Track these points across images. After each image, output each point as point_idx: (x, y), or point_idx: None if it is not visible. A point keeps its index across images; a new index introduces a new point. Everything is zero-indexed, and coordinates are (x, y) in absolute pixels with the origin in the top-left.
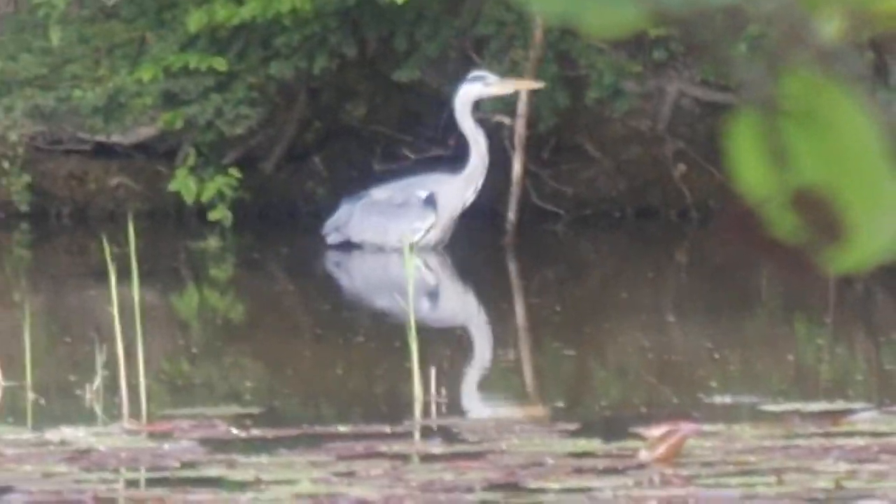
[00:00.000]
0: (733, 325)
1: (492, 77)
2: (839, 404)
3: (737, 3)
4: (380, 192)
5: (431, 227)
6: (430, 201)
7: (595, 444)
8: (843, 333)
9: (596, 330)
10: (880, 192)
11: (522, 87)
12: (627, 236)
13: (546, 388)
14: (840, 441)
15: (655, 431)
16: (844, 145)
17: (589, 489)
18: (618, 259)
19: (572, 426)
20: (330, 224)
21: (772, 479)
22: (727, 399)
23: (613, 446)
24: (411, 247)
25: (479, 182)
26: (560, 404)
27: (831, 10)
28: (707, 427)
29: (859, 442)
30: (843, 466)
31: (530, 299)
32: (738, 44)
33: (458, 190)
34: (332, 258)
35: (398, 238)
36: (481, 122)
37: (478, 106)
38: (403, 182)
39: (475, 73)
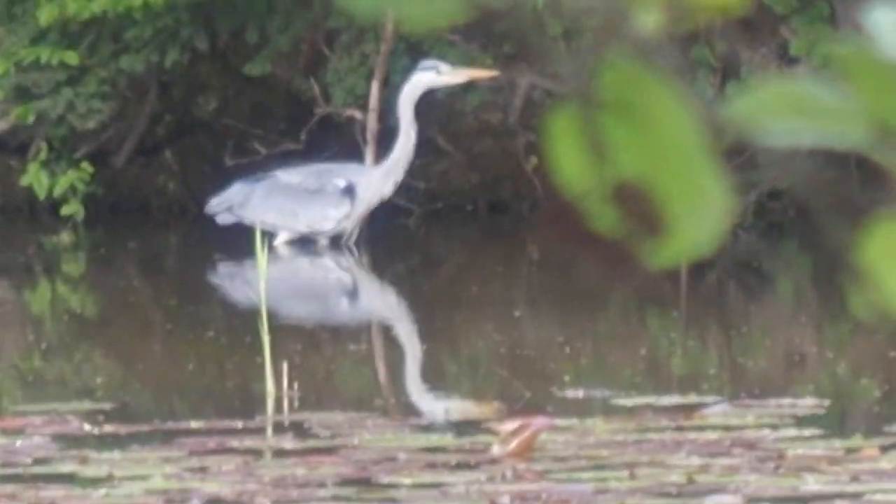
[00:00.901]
0: (586, 319)
1: (444, 66)
2: (691, 398)
3: None
4: (288, 176)
5: (345, 217)
6: (349, 191)
7: (448, 440)
8: (695, 327)
9: (448, 324)
10: (698, 186)
11: (475, 75)
12: (479, 230)
13: (398, 382)
14: (692, 435)
15: (508, 426)
16: (663, 138)
17: (441, 484)
18: (470, 252)
19: (424, 421)
20: (219, 203)
21: (624, 473)
22: (580, 393)
23: (466, 441)
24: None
25: (400, 176)
26: (412, 399)
27: (649, 3)
28: (560, 421)
29: (711, 436)
30: (696, 460)
31: (382, 293)
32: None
33: (377, 181)
34: (183, 253)
35: (307, 224)
36: (332, 116)
37: (328, 100)
38: (315, 168)
39: (427, 62)
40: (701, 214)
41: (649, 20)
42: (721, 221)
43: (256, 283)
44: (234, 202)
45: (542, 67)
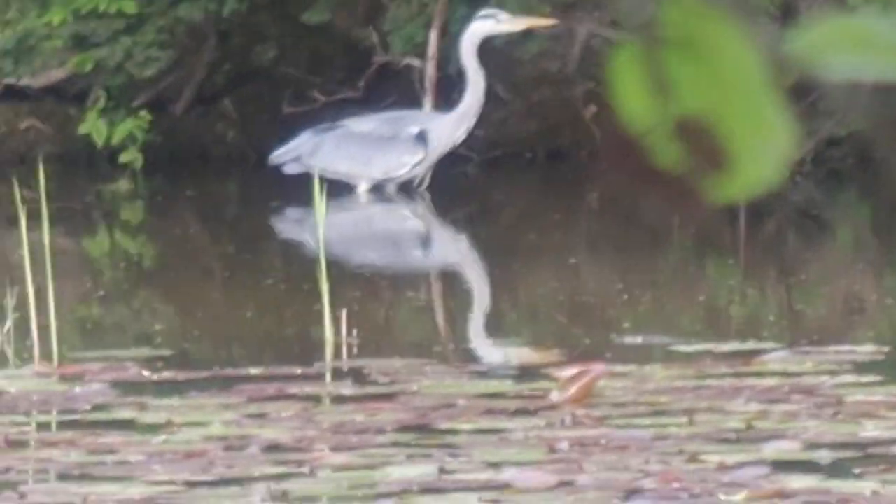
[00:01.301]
0: (644, 266)
1: (503, 14)
2: (750, 345)
3: None
4: (360, 124)
5: (419, 162)
6: (422, 137)
7: (506, 386)
8: (754, 274)
9: (507, 272)
10: (761, 122)
11: (534, 24)
12: (538, 178)
13: (458, 329)
14: (751, 381)
15: (567, 372)
16: (726, 74)
17: (500, 430)
18: (529, 200)
19: (484, 367)
20: (285, 153)
21: (683, 419)
22: (638, 340)
23: (525, 387)
24: (321, 183)
25: (472, 122)
26: (471, 346)
27: None
28: (618, 368)
29: (770, 382)
30: (754, 407)
31: (442, 241)
32: None
33: (449, 128)
34: (242, 201)
35: (382, 171)
36: (390, 65)
37: (386, 48)
38: (386, 116)
39: (486, 10)
40: (764, 150)
41: None
42: (784, 157)
43: (316, 231)
44: (302, 152)
45: (600, 15)
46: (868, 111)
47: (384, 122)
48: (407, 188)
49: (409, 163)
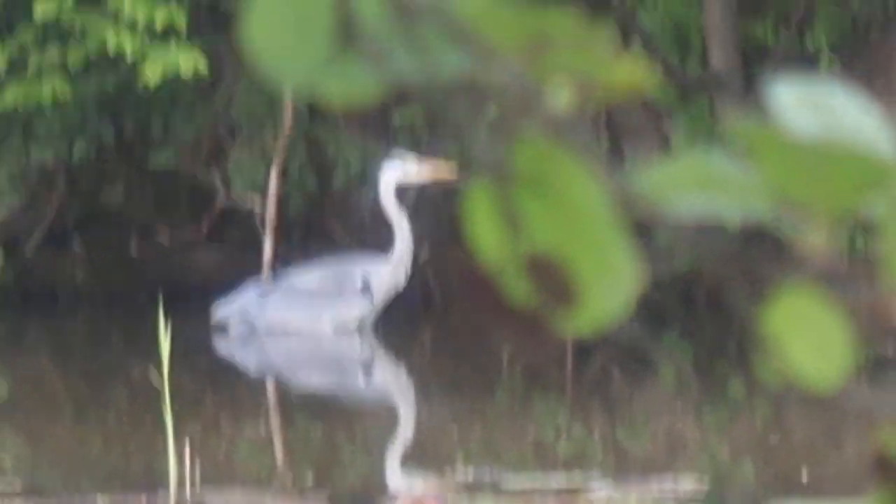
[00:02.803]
0: (475, 403)
1: (410, 160)
2: (577, 479)
3: (469, 73)
4: (303, 280)
5: (368, 314)
6: (367, 287)
7: None
8: (581, 410)
9: (342, 408)
10: (608, 259)
11: (439, 176)
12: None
13: (297, 463)
14: None
15: None
16: (574, 212)
17: None
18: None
19: (321, 500)
20: (229, 313)
21: None
22: (470, 475)
23: None
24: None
25: (408, 265)
26: (309, 478)
27: (561, 82)
28: (450, 501)
29: None
30: None
31: (281, 380)
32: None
33: (390, 274)
34: (89, 339)
35: (333, 325)
36: (234, 205)
37: (229, 190)
38: (327, 268)
39: (394, 157)
40: (610, 285)
41: (560, 98)
42: (629, 293)
43: (160, 361)
44: (247, 311)
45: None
46: (703, 250)
47: (328, 278)
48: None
49: (359, 316)
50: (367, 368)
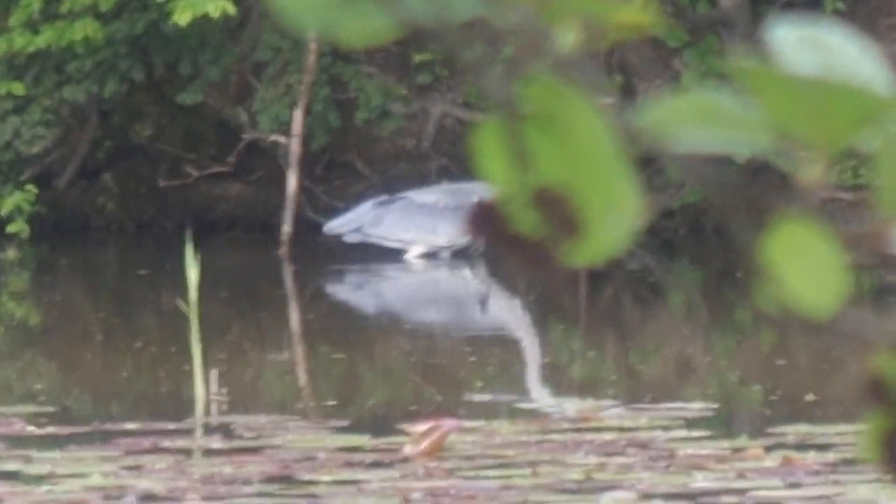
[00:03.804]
0: (491, 329)
1: None
2: (589, 402)
3: (480, 14)
4: (423, 196)
5: None
6: None
7: (363, 440)
8: (593, 336)
9: (364, 334)
10: (613, 192)
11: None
12: None
13: (318, 388)
14: (590, 436)
15: (419, 428)
16: (580, 147)
17: (358, 481)
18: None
19: (342, 423)
20: (343, 224)
21: (527, 471)
22: (486, 397)
23: (380, 441)
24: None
25: None
26: (331, 402)
27: (569, 22)
28: (467, 423)
29: (607, 437)
30: (593, 459)
31: (304, 306)
32: (488, 58)
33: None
34: (120, 268)
35: (448, 239)
36: (258, 141)
37: (255, 127)
38: (447, 187)
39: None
40: (615, 217)
41: (568, 39)
42: (633, 224)
43: (187, 293)
44: (363, 222)
45: (453, 97)
46: (709, 182)
47: (446, 194)
48: (463, 254)
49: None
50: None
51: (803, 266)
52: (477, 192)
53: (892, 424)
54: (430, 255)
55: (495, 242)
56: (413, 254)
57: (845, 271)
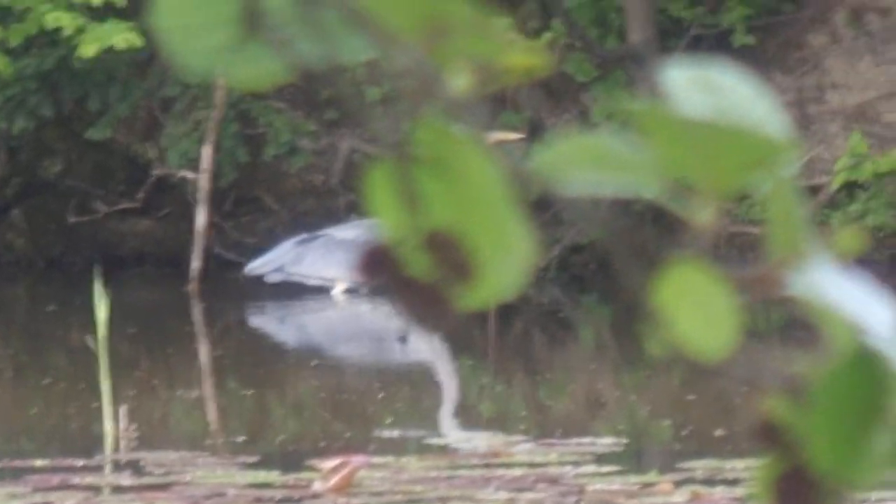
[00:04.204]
0: (400, 365)
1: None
2: (499, 437)
3: (371, 57)
4: (343, 232)
5: None
6: None
7: (273, 476)
8: (503, 371)
9: (274, 370)
10: (504, 235)
11: (503, 138)
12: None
13: (228, 423)
14: (500, 471)
15: (329, 464)
16: (472, 190)
17: None
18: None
19: (252, 459)
20: (265, 264)
21: None
22: (395, 433)
23: (290, 477)
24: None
25: None
26: (241, 439)
27: (460, 65)
28: (377, 459)
29: (517, 472)
30: (503, 495)
31: (213, 342)
32: (373, 100)
33: None
34: (30, 304)
35: None
36: (167, 177)
37: (164, 162)
38: (367, 223)
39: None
40: (506, 261)
41: (460, 82)
42: (524, 268)
43: (94, 332)
44: (284, 261)
45: (361, 132)
46: (600, 225)
47: (367, 229)
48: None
49: None
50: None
51: (694, 309)
52: None
53: (783, 467)
54: (353, 291)
55: (387, 285)
56: (338, 290)
57: (737, 314)
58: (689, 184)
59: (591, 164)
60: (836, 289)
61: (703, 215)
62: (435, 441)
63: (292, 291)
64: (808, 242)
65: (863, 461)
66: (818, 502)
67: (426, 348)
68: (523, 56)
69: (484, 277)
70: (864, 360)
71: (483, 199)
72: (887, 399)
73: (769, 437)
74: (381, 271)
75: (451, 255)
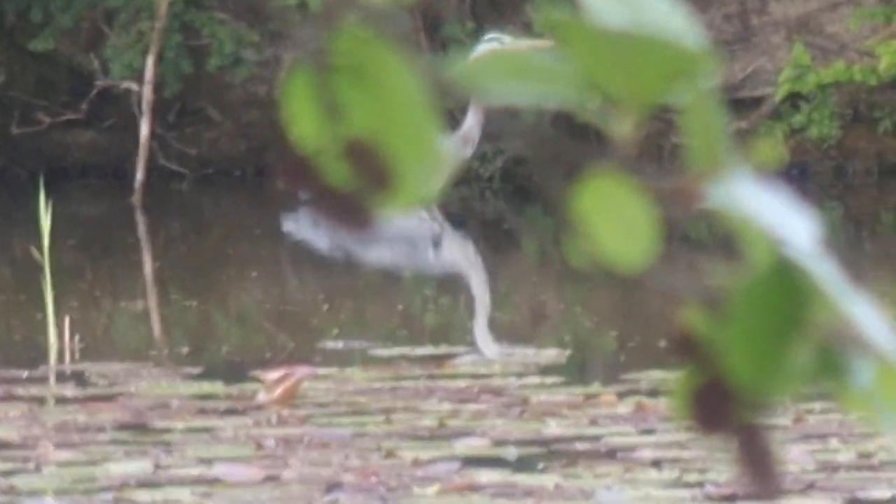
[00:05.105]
0: (346, 277)
1: (507, 38)
2: (442, 349)
3: None
4: None
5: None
6: None
7: (217, 387)
8: (446, 283)
9: (218, 281)
10: (423, 143)
11: (535, 45)
12: (247, 194)
13: (172, 335)
14: (443, 383)
15: (273, 375)
16: (391, 100)
17: (212, 429)
18: (238, 215)
19: (196, 370)
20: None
21: (381, 418)
22: (339, 345)
23: (234, 389)
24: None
25: (476, 140)
26: (184, 350)
27: None
28: (321, 371)
29: (461, 384)
30: (446, 406)
31: (157, 253)
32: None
33: (455, 148)
34: None
35: None
36: (110, 89)
37: (107, 74)
38: None
39: (491, 34)
40: (423, 169)
41: None
42: (440, 175)
43: (40, 241)
44: None
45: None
46: (522, 136)
47: None
48: None
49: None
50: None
51: (613, 221)
52: None
53: (701, 380)
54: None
55: (307, 194)
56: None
57: (655, 226)
58: (608, 95)
59: (511, 74)
60: (755, 201)
61: (623, 127)
62: (379, 353)
63: (239, 203)
64: (728, 155)
65: (780, 373)
66: (736, 414)
67: (371, 260)
68: None
69: (402, 185)
70: (783, 273)
71: (401, 108)
72: (805, 311)
73: (687, 349)
74: (300, 180)
75: (369, 163)
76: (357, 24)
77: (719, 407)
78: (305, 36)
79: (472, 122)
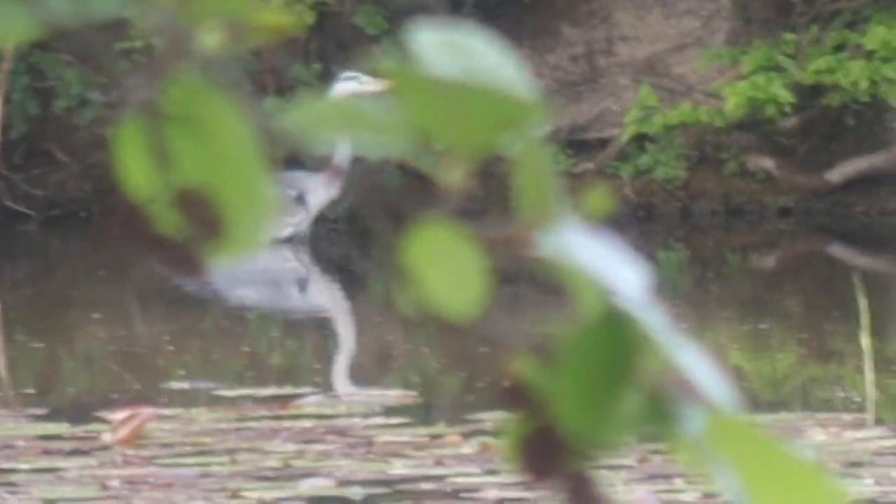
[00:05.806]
0: (192, 318)
1: (364, 77)
2: (288, 389)
3: (122, 14)
4: None
5: (300, 222)
6: (301, 199)
7: (62, 428)
8: (293, 324)
9: (63, 323)
10: (254, 192)
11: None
12: (94, 235)
13: (17, 376)
14: (288, 423)
15: (118, 415)
16: (223, 148)
17: (57, 469)
18: (84, 256)
19: (41, 411)
20: None
21: (226, 458)
22: (185, 385)
23: (79, 429)
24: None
25: (344, 178)
26: (30, 391)
27: (212, 23)
28: (166, 411)
29: (306, 424)
30: (291, 447)
31: (2, 294)
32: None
33: (323, 187)
34: None
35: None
36: None
37: None
38: None
39: (348, 73)
40: (255, 218)
41: (211, 39)
42: (270, 224)
43: None
44: None
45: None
46: (356, 183)
47: None
48: (290, 242)
49: (292, 223)
50: None
51: (442, 269)
52: (295, 182)
53: (532, 427)
54: None
55: (138, 243)
56: None
57: (485, 275)
58: (438, 143)
59: (341, 123)
60: (584, 249)
61: (453, 175)
62: (225, 393)
63: (86, 244)
64: (557, 203)
65: (610, 421)
66: (565, 462)
67: (219, 302)
68: (272, 15)
69: (232, 233)
70: (612, 321)
71: (232, 157)
72: (634, 360)
73: (517, 396)
74: (131, 229)
75: (200, 212)
76: (189, 72)
77: (549, 454)
78: (137, 84)
79: (338, 159)
